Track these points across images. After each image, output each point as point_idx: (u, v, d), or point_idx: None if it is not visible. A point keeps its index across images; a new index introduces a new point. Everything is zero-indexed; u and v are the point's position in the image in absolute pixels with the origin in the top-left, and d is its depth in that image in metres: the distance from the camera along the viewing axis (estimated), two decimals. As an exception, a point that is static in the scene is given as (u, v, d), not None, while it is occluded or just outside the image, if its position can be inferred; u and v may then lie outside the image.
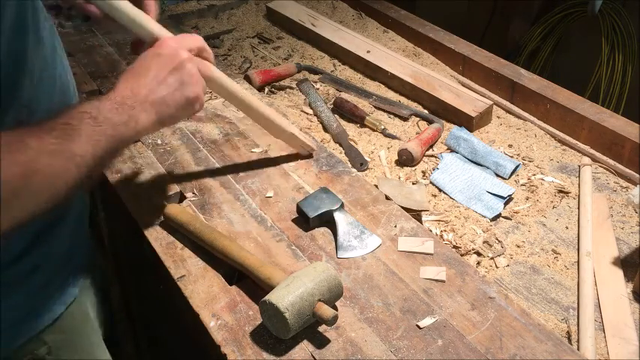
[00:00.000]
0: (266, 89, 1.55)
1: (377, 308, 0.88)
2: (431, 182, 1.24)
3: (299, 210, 1.04)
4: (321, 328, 0.85)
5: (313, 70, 1.63)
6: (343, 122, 1.43)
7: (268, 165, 1.18)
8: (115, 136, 0.78)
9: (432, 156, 1.32)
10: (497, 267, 1.04)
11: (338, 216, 1.02)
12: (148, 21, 0.95)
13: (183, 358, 1.27)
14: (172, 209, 1.03)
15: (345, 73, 1.64)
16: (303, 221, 1.03)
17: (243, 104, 1.09)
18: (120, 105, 0.80)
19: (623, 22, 2.29)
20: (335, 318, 0.81)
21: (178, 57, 0.88)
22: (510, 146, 1.35)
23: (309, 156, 1.19)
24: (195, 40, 0.95)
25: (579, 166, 1.27)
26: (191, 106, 0.90)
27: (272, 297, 0.81)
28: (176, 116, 0.89)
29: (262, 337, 0.84)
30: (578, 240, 1.10)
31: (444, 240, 1.08)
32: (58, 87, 0.85)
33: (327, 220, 1.03)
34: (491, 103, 1.42)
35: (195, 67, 0.91)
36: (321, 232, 1.02)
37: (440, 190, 1.22)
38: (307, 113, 1.45)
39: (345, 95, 1.52)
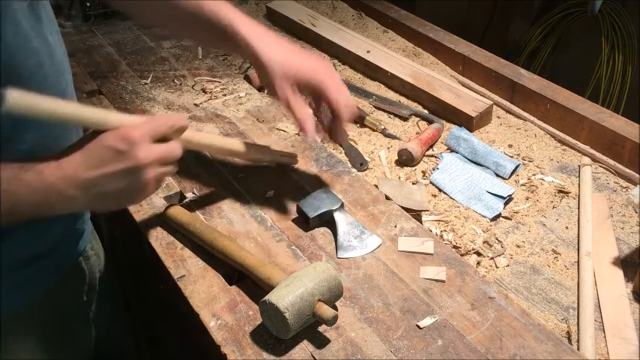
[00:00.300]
0: (266, 89, 1.55)
1: (377, 308, 0.88)
2: (431, 182, 1.24)
3: (299, 210, 1.04)
4: (321, 328, 0.85)
5: (313, 70, 1.63)
6: (343, 122, 1.42)
7: (268, 165, 1.18)
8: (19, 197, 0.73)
9: (432, 156, 1.32)
10: (497, 267, 1.04)
11: (338, 216, 1.02)
12: (103, 112, 0.82)
13: (184, 358, 1.27)
14: (172, 210, 1.03)
15: (345, 73, 1.64)
16: (303, 221, 1.03)
17: (221, 151, 1.07)
18: (51, 178, 0.75)
19: (623, 22, 2.29)
20: (335, 318, 0.81)
21: (136, 159, 0.77)
22: (510, 146, 1.35)
23: (294, 162, 1.18)
24: (168, 123, 0.83)
25: (579, 166, 1.27)
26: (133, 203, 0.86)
27: (272, 297, 0.81)
28: (110, 207, 0.84)
29: (262, 337, 0.84)
30: (578, 240, 1.10)
31: (444, 240, 1.08)
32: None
33: (327, 220, 1.03)
34: (491, 103, 1.42)
35: (155, 171, 0.80)
36: (321, 232, 1.02)
37: (440, 190, 1.22)
38: (307, 113, 1.45)
39: (345, 95, 1.52)
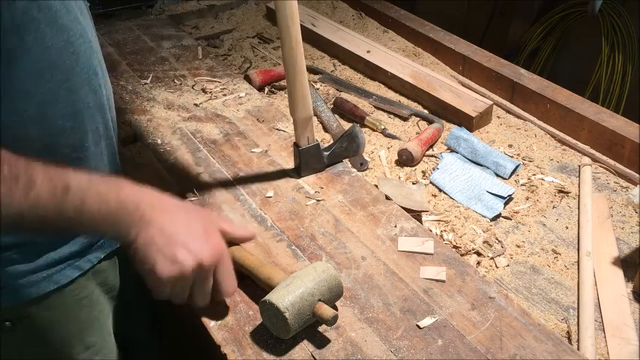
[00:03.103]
0: (266, 89, 1.55)
1: (377, 308, 0.88)
2: (431, 182, 1.24)
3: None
4: (321, 328, 0.85)
5: (313, 70, 1.63)
6: (343, 122, 1.43)
7: (268, 165, 1.18)
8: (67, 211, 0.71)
9: (432, 156, 1.32)
10: (497, 267, 1.04)
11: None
12: None
13: (184, 358, 1.27)
14: None
15: (345, 73, 1.64)
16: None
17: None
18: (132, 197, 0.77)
19: (623, 22, 2.29)
20: (335, 318, 0.81)
21: (194, 269, 0.78)
22: (510, 146, 1.35)
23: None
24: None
25: (579, 166, 1.27)
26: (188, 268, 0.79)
27: (272, 297, 0.81)
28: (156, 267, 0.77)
29: (262, 337, 0.84)
30: (578, 240, 1.10)
31: (444, 240, 1.08)
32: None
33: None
34: (491, 103, 1.42)
35: (197, 288, 0.81)
36: (321, 233, 1.02)
37: (440, 190, 1.22)
38: (307, 113, 1.45)
39: (345, 95, 1.52)
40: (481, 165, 1.29)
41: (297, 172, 1.15)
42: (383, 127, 1.39)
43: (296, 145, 1.12)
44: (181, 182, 1.14)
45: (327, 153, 1.15)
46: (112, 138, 0.94)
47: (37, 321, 0.89)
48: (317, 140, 1.13)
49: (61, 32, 0.77)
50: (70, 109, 0.81)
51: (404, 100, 1.52)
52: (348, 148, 1.17)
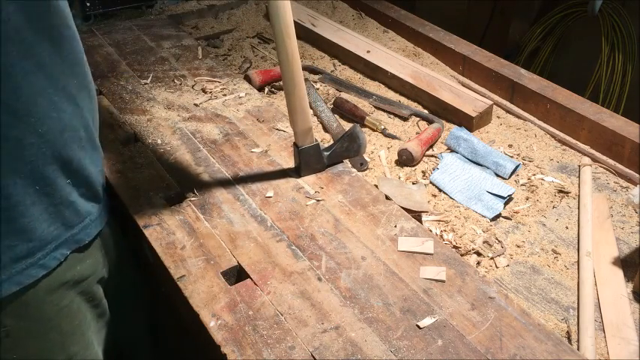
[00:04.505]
0: (266, 89, 1.55)
1: (377, 308, 0.88)
2: (431, 182, 1.24)
3: None
4: (322, 328, 0.85)
5: (313, 70, 1.63)
6: (343, 122, 1.42)
7: (268, 165, 1.18)
8: None
9: (432, 156, 1.32)
10: (497, 267, 1.04)
11: None
12: None
13: (184, 358, 1.27)
14: None
15: (345, 73, 1.64)
16: None
17: None
18: None
19: (623, 22, 2.29)
20: None
21: None
22: (510, 146, 1.35)
23: None
24: None
25: (579, 166, 1.27)
26: None
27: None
28: None
29: (262, 337, 0.84)
30: (578, 240, 1.10)
31: (444, 240, 1.08)
32: None
33: None
34: (491, 103, 1.42)
35: None
36: (321, 232, 1.02)
37: (440, 190, 1.22)
38: (307, 113, 1.45)
39: (345, 95, 1.52)
40: (481, 165, 1.29)
41: (297, 172, 1.15)
42: (383, 127, 1.39)
43: (296, 145, 1.12)
44: (181, 182, 1.14)
45: (328, 153, 1.15)
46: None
47: (16, 333, 0.88)
48: (317, 140, 1.13)
49: None
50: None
51: (404, 100, 1.52)
52: (349, 149, 1.17)
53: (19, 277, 0.85)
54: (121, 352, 1.12)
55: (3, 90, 0.76)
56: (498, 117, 1.46)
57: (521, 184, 1.24)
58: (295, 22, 1.77)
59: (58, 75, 0.83)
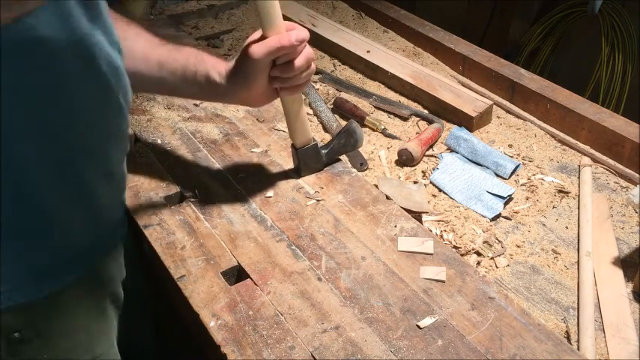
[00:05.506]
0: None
1: (377, 308, 0.88)
2: (431, 182, 1.24)
3: None
4: (322, 328, 0.85)
5: (313, 70, 1.63)
6: (343, 122, 1.42)
7: (268, 165, 1.18)
8: None
9: (432, 156, 1.32)
10: (497, 267, 1.05)
11: None
12: None
13: (183, 358, 1.27)
14: None
15: (345, 73, 1.64)
16: None
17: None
18: None
19: (623, 22, 2.29)
20: None
21: None
22: (510, 146, 1.35)
23: None
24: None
25: (579, 166, 1.27)
26: None
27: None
28: None
29: (262, 337, 0.84)
30: (578, 240, 1.10)
31: (444, 240, 1.08)
32: None
33: None
34: (491, 103, 1.42)
35: None
36: (321, 233, 1.02)
37: (440, 190, 1.22)
38: (307, 113, 1.45)
39: (345, 95, 1.52)
40: (481, 165, 1.29)
41: (296, 173, 1.15)
42: (383, 127, 1.39)
43: (294, 146, 1.12)
44: (181, 182, 1.14)
45: (326, 151, 1.15)
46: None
47: (47, 332, 0.87)
48: (314, 140, 1.13)
49: None
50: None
51: (404, 100, 1.52)
52: (346, 144, 1.17)
53: (64, 276, 0.86)
54: (128, 357, 1.12)
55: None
56: (498, 117, 1.46)
57: (521, 184, 1.24)
58: (295, 22, 1.78)
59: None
